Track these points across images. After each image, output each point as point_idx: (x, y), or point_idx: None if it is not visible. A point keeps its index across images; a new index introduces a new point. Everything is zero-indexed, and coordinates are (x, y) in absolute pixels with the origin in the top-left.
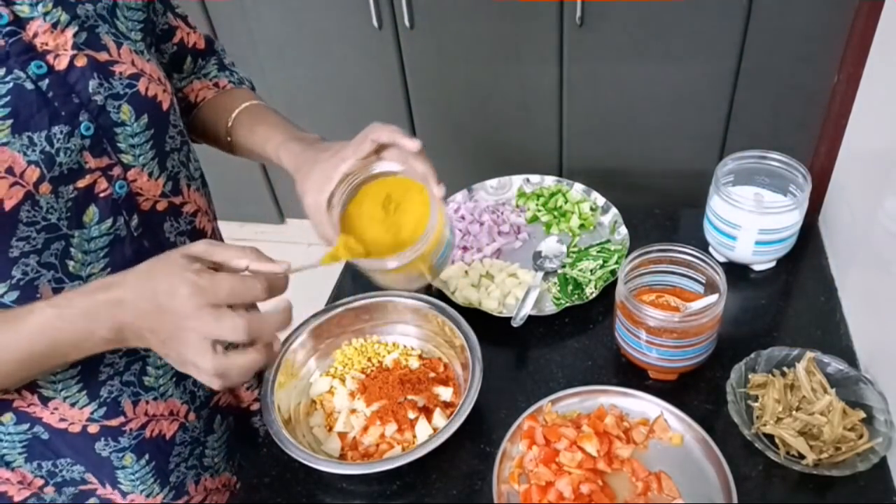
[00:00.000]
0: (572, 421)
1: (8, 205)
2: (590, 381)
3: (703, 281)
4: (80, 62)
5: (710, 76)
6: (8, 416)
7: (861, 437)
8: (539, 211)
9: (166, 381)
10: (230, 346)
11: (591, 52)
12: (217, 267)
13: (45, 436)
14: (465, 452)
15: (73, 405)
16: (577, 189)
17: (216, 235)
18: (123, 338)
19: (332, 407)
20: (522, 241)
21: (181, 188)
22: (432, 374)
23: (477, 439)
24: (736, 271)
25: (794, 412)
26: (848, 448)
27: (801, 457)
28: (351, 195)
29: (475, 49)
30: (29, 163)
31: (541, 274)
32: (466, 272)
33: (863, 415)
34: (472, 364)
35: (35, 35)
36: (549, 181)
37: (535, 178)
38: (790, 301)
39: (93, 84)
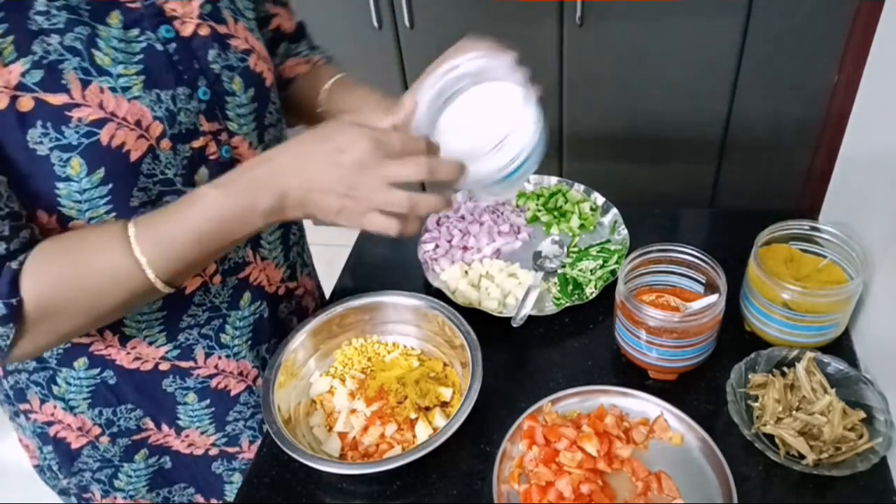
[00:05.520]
0: (572, 421)
1: (133, 156)
2: (590, 381)
3: (703, 281)
4: (203, 32)
5: (710, 76)
6: (81, 362)
7: (861, 437)
8: (539, 211)
9: (241, 343)
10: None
11: (590, 52)
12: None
13: (113, 380)
14: (465, 452)
15: (150, 344)
16: (577, 189)
17: None
18: (284, 206)
19: (332, 407)
20: (522, 241)
21: None
22: (432, 374)
23: (477, 439)
24: None
25: (794, 412)
26: (848, 448)
27: (801, 457)
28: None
29: None
30: (154, 118)
31: (541, 274)
32: (466, 272)
33: (863, 415)
34: (472, 364)
35: (166, 1)
36: (550, 181)
37: (535, 178)
38: None
39: (212, 53)
